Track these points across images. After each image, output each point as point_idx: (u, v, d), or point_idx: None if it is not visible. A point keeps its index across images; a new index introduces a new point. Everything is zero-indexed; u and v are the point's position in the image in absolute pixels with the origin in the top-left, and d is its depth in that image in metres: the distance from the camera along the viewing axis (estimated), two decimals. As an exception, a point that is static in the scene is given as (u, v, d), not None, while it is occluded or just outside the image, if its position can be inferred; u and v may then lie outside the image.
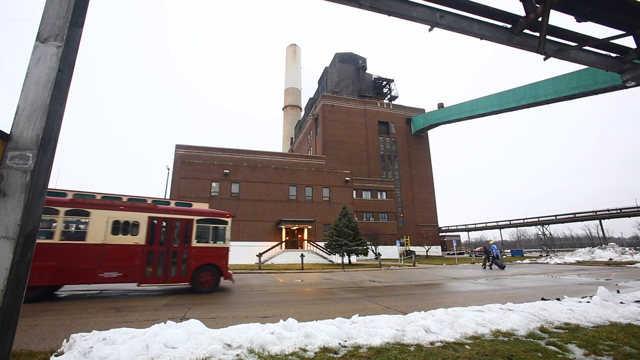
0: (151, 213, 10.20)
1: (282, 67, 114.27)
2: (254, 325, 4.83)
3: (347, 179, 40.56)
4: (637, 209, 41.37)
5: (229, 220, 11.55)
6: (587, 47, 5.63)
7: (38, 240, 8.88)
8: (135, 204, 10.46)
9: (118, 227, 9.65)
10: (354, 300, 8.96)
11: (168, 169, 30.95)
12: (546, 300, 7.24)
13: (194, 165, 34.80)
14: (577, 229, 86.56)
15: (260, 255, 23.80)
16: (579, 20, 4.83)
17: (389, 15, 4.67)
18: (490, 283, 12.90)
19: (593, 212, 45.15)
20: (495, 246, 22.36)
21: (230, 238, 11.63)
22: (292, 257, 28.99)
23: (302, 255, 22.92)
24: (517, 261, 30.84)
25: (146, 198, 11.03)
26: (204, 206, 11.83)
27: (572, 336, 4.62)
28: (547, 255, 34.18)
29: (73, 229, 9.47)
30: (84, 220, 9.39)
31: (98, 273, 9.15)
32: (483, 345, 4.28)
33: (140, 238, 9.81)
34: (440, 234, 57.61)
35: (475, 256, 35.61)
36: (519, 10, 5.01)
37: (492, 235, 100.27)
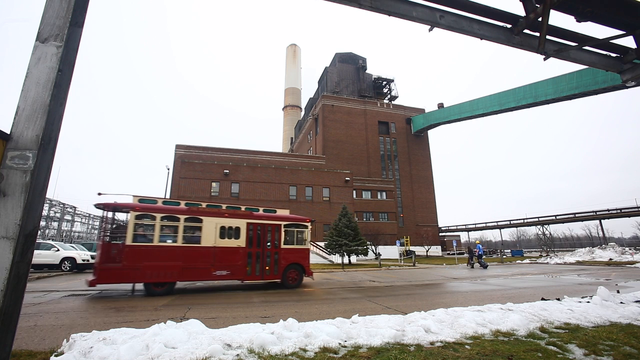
0: (248, 219, 11.56)
1: (282, 67, 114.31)
2: (254, 325, 4.83)
3: (347, 179, 40.57)
4: (637, 209, 41.37)
5: (309, 224, 12.95)
6: (587, 47, 5.63)
7: (167, 244, 10.21)
8: (236, 211, 11.80)
9: (224, 232, 11.01)
10: (354, 300, 8.96)
11: (168, 169, 30.94)
12: (546, 300, 7.23)
13: (194, 165, 34.79)
14: (577, 229, 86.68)
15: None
16: (579, 20, 4.82)
17: (389, 15, 4.67)
18: (491, 283, 12.90)
19: (593, 212, 45.16)
20: (480, 246, 23.52)
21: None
22: (292, 257, 28.92)
23: (302, 255, 22.88)
24: (517, 261, 30.83)
25: (240, 206, 12.43)
26: (285, 212, 13.17)
27: (572, 336, 4.62)
28: (547, 255, 34.18)
29: (190, 234, 10.68)
30: (198, 226, 10.69)
31: (212, 271, 10.50)
32: (483, 345, 4.28)
33: (241, 241, 11.19)
34: (440, 234, 57.59)
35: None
36: (519, 10, 5.01)
37: (492, 235, 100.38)
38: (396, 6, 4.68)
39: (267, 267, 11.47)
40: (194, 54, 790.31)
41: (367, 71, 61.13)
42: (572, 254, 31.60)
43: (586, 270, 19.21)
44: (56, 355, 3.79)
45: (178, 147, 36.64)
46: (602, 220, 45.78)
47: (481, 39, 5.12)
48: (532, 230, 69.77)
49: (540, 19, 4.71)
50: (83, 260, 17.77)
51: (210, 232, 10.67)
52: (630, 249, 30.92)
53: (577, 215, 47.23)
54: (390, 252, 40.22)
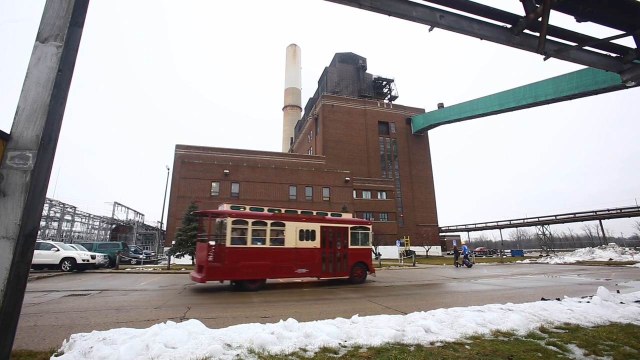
0: (321, 223, 12.81)
1: (282, 68, 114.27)
2: (254, 325, 4.83)
3: (347, 179, 40.55)
4: (637, 209, 41.34)
5: (370, 227, 14.32)
6: (587, 47, 5.63)
7: (258, 245, 11.34)
8: (311, 216, 13.03)
9: (303, 235, 12.25)
10: (354, 300, 8.96)
11: (168, 169, 30.95)
12: (546, 300, 7.23)
13: (194, 165, 34.77)
14: (577, 229, 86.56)
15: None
16: (579, 20, 4.82)
17: (389, 15, 4.66)
18: (491, 283, 12.91)
19: (593, 212, 45.10)
20: (466, 246, 25.36)
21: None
22: (292, 257, 28.93)
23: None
24: (517, 261, 30.82)
25: (312, 211, 13.57)
26: (349, 216, 14.55)
27: (572, 336, 4.62)
28: (547, 255, 34.18)
29: (275, 237, 11.88)
30: (282, 230, 11.91)
31: (294, 270, 11.69)
32: (483, 345, 4.27)
33: (316, 243, 12.44)
34: (440, 234, 57.55)
35: (476, 256, 35.60)
36: (519, 10, 5.01)
37: (492, 235, 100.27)
38: (396, 6, 4.68)
39: (338, 265, 12.81)
40: (194, 54, 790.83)
41: (367, 71, 61.11)
42: (572, 254, 31.59)
43: (586, 270, 19.21)
44: (56, 355, 3.79)
45: (178, 147, 36.64)
46: (602, 220, 45.72)
47: (481, 39, 5.12)
48: (532, 230, 69.76)
49: (540, 19, 4.71)
50: (83, 260, 17.76)
51: (291, 235, 11.96)
52: (630, 249, 30.93)
53: (577, 215, 47.19)
54: (390, 252, 40.22)
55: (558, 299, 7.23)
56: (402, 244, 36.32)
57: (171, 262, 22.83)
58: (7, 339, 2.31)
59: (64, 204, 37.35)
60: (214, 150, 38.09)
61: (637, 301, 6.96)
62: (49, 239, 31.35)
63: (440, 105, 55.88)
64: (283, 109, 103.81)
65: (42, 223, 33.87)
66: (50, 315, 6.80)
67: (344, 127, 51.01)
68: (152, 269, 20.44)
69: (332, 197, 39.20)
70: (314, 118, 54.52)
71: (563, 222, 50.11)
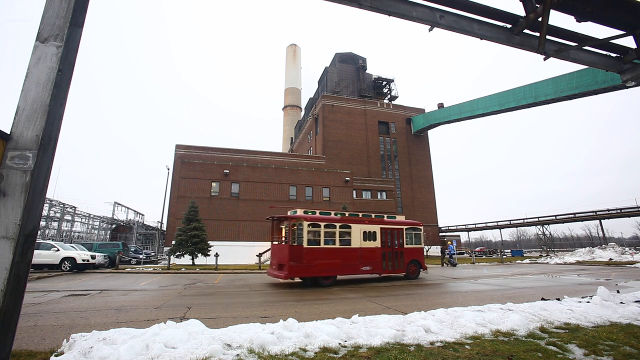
0: (381, 225, 14.06)
1: (282, 68, 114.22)
2: (254, 325, 4.83)
3: (347, 179, 40.56)
4: (637, 209, 41.32)
5: (422, 227, 15.72)
6: (587, 47, 5.63)
7: (329, 246, 12.50)
8: (371, 219, 14.27)
9: (366, 235, 13.42)
10: (354, 300, 8.96)
11: (168, 169, 30.94)
12: (546, 300, 7.23)
13: (194, 165, 34.76)
14: (577, 229, 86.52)
15: (260, 255, 23.78)
16: (579, 20, 4.82)
17: (389, 15, 4.66)
18: (491, 283, 12.90)
19: (593, 212, 45.08)
20: (452, 246, 26.06)
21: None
22: (292, 257, 28.94)
23: (302, 255, 23.01)
24: (517, 261, 30.82)
25: (371, 213, 14.90)
26: (402, 218, 15.89)
27: (572, 336, 4.62)
28: (547, 255, 34.17)
29: (343, 238, 12.93)
30: (348, 232, 13.04)
31: (360, 267, 12.91)
32: (483, 345, 4.27)
33: (377, 243, 13.68)
34: (440, 234, 57.55)
35: (476, 256, 35.60)
36: (519, 10, 5.01)
37: (492, 235, 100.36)
38: (396, 6, 4.68)
39: (396, 263, 14.08)
40: (194, 54, 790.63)
41: (367, 71, 61.08)
42: (572, 254, 31.60)
43: (586, 270, 19.21)
44: (56, 355, 3.79)
45: (178, 147, 36.63)
46: (602, 220, 45.70)
47: (481, 39, 5.12)
48: (532, 230, 69.80)
49: (540, 19, 4.71)
50: (83, 260, 17.76)
51: (356, 236, 13.10)
52: (630, 249, 30.92)
53: (577, 215, 47.16)
54: (390, 252, 40.12)
55: (558, 299, 7.23)
56: (402, 244, 36.25)
57: (171, 262, 22.83)
58: (7, 339, 2.31)
59: (64, 204, 37.34)
60: (214, 150, 38.08)
61: (637, 301, 6.96)
62: (49, 239, 31.34)
63: (440, 105, 55.87)
64: (283, 109, 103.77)
65: (42, 223, 33.86)
66: (50, 315, 6.80)
67: (344, 127, 50.99)
68: (152, 269, 20.43)
69: (332, 197, 39.19)
70: (314, 118, 54.51)
71: (563, 222, 50.10)
